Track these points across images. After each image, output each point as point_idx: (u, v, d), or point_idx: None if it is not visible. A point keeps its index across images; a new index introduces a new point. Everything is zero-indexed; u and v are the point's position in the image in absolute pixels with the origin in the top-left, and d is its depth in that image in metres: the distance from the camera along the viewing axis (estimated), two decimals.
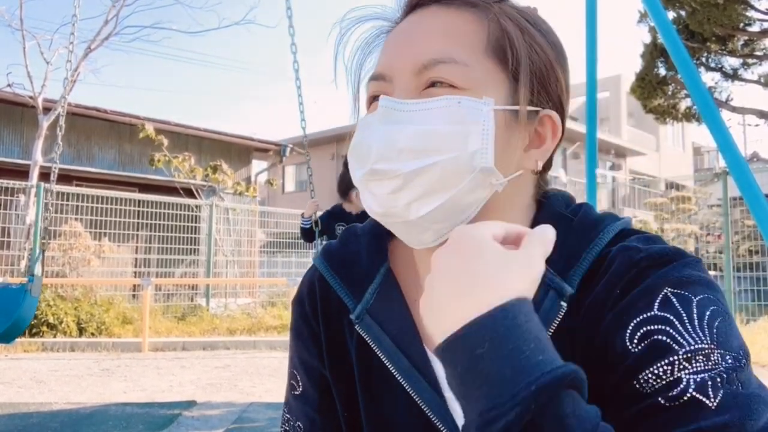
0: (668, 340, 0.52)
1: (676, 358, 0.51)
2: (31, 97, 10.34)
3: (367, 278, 0.72)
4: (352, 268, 0.73)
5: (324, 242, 3.73)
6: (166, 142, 10.64)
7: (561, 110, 0.67)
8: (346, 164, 3.85)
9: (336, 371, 0.74)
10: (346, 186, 4.26)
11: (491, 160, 0.60)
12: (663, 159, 27.59)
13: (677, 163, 28.20)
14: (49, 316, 7.82)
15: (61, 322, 7.89)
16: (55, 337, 7.76)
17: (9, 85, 10.56)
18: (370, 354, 0.70)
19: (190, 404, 4.85)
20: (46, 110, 10.14)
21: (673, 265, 0.57)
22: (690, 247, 11.74)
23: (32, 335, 7.65)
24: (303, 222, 4.66)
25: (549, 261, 0.61)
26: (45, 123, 9.98)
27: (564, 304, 0.60)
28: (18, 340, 6.90)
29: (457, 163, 0.58)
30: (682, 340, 0.52)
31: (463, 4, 0.64)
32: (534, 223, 0.66)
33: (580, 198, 0.75)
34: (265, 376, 6.13)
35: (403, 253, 0.73)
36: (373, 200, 0.62)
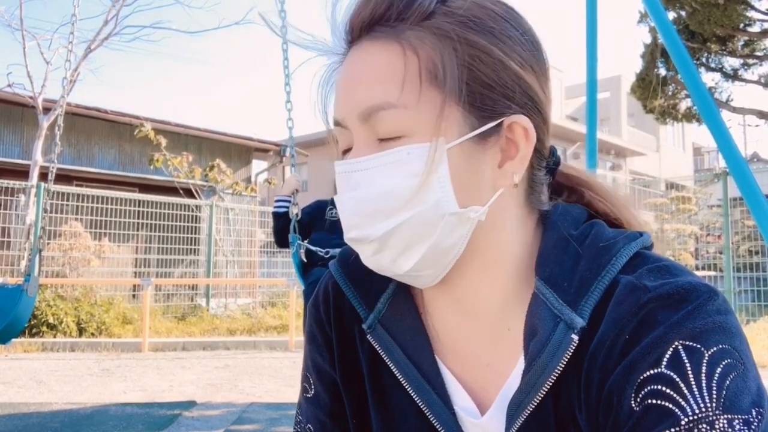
0: (672, 406, 0.50)
1: (678, 428, 0.49)
2: (31, 97, 10.34)
3: (381, 286, 0.70)
4: (367, 276, 0.70)
5: (301, 248, 2.98)
6: (164, 141, 10.63)
7: (534, 109, 0.61)
8: None
9: (347, 379, 0.73)
10: None
11: (455, 205, 0.57)
12: (663, 159, 27.59)
13: (677, 163, 28.22)
14: (49, 316, 7.82)
15: (61, 322, 7.89)
16: (55, 337, 7.76)
17: (9, 85, 10.57)
18: (381, 364, 0.68)
19: (190, 404, 4.85)
20: (46, 110, 10.14)
21: (686, 311, 0.52)
22: (690, 248, 11.74)
23: (32, 335, 7.66)
24: (277, 204, 3.28)
25: (558, 289, 0.59)
26: (45, 123, 9.98)
27: (575, 337, 0.56)
28: (18, 340, 6.91)
29: (424, 216, 0.56)
30: (686, 406, 0.49)
31: (389, 36, 0.58)
32: (540, 249, 0.63)
33: None
34: (265, 376, 6.13)
35: None
36: (363, 259, 0.62)
